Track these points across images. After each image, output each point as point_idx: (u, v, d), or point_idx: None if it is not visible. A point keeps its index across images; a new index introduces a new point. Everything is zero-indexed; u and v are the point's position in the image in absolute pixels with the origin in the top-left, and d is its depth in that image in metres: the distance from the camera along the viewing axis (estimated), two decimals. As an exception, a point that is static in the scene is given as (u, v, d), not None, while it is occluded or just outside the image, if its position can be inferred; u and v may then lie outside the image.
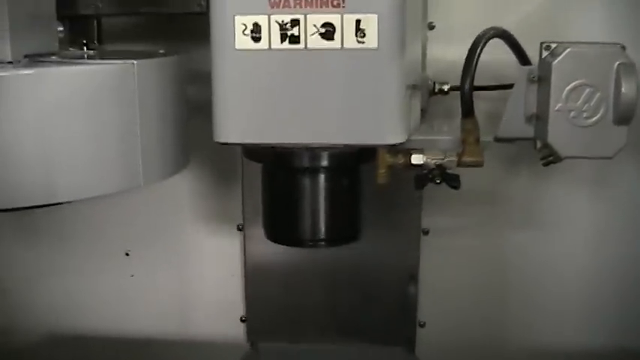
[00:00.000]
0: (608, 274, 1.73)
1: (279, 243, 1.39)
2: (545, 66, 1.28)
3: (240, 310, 1.85)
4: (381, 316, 1.76)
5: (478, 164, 1.27)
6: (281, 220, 1.36)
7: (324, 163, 1.27)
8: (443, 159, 1.27)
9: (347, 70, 1.15)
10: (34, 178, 1.17)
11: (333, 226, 1.33)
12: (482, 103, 1.37)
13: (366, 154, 1.27)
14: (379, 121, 1.16)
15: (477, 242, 1.73)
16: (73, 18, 1.55)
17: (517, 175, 1.69)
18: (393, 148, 1.26)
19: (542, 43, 1.29)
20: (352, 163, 1.31)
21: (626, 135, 1.26)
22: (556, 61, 1.24)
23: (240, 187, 1.75)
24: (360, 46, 1.13)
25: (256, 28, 1.15)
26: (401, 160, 1.28)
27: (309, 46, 1.14)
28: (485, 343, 1.80)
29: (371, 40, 1.13)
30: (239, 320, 1.85)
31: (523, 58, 1.34)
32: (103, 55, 1.45)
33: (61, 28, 1.44)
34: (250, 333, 1.85)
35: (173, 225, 1.85)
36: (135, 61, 1.24)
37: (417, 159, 1.27)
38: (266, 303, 1.82)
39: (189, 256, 1.86)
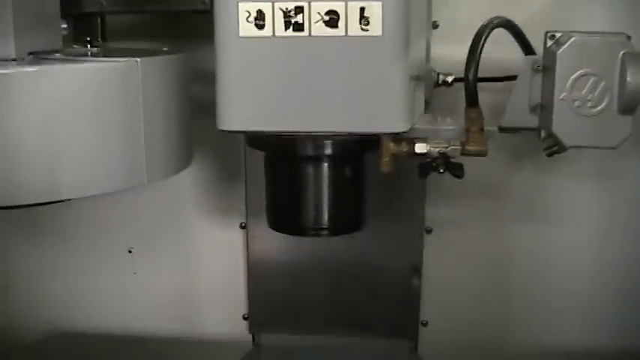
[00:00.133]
0: (612, 273, 1.72)
1: (281, 232, 1.38)
2: (549, 55, 1.27)
3: (243, 307, 1.84)
4: (384, 311, 1.76)
5: (482, 153, 1.26)
6: (284, 209, 1.36)
7: (328, 151, 1.26)
8: (447, 147, 1.27)
9: (351, 57, 1.14)
10: (38, 175, 1.17)
11: (336, 215, 1.33)
12: (486, 95, 1.36)
13: (369, 142, 1.27)
14: (383, 109, 1.16)
15: (480, 237, 1.72)
16: (77, 16, 1.55)
17: (521, 168, 1.68)
18: (397, 137, 1.26)
19: (546, 33, 1.29)
20: (356, 151, 1.31)
21: (631, 125, 1.25)
22: (561, 50, 1.24)
23: (243, 185, 1.75)
24: (364, 33, 1.13)
25: (260, 15, 1.15)
26: (405, 148, 1.27)
27: (313, 33, 1.14)
28: (487, 343, 1.79)
29: (375, 28, 1.13)
30: (242, 318, 1.85)
31: (527, 48, 1.34)
32: (107, 53, 1.44)
33: (64, 26, 1.44)
34: (253, 330, 1.85)
35: (176, 222, 1.85)
36: (139, 59, 1.24)
37: (420, 147, 1.26)
38: (269, 300, 1.82)
39: (191, 254, 1.86)
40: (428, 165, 1.28)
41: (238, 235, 1.81)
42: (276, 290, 1.80)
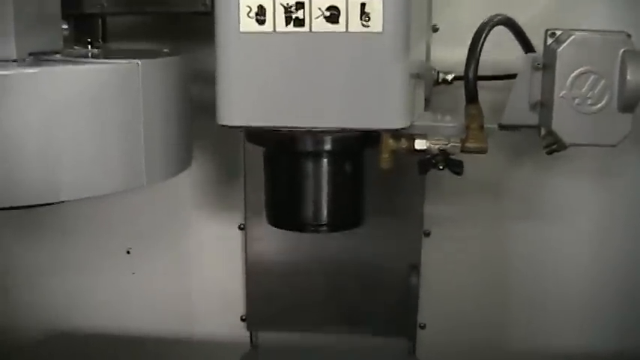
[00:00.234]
0: (612, 273, 1.72)
1: (280, 228, 1.38)
2: (550, 53, 1.27)
3: (241, 308, 1.84)
4: (383, 310, 1.75)
5: (482, 150, 1.26)
6: (283, 205, 1.35)
7: (328, 147, 1.26)
8: (446, 144, 1.27)
9: (351, 53, 1.15)
10: (38, 176, 1.17)
11: (336, 211, 1.33)
12: (486, 93, 1.36)
13: (369, 138, 1.27)
14: (383, 106, 1.16)
15: (479, 236, 1.73)
16: (78, 16, 1.55)
17: (520, 166, 1.68)
18: (397, 133, 1.26)
19: (546, 31, 1.29)
20: (356, 147, 1.30)
21: (631, 122, 1.26)
22: (561, 47, 1.24)
23: (242, 186, 1.75)
24: (365, 29, 1.13)
25: (261, 10, 1.15)
26: (404, 145, 1.27)
27: (313, 29, 1.15)
28: (486, 345, 1.79)
29: (376, 24, 1.13)
30: (240, 319, 1.84)
31: (527, 46, 1.34)
32: (108, 54, 1.45)
33: (65, 27, 1.44)
34: (251, 328, 1.85)
35: (174, 223, 1.85)
36: (139, 61, 1.24)
37: (420, 144, 1.26)
38: (267, 301, 1.81)
39: (190, 255, 1.86)
40: (428, 162, 1.28)
41: (237, 236, 1.80)
42: (275, 291, 1.80)
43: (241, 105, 1.19)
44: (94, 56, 1.42)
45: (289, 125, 1.19)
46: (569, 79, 1.25)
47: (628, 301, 1.73)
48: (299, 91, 1.17)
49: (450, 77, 1.49)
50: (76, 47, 1.51)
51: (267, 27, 1.15)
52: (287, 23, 1.15)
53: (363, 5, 1.13)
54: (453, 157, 1.28)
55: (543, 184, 1.68)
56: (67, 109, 1.17)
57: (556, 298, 1.74)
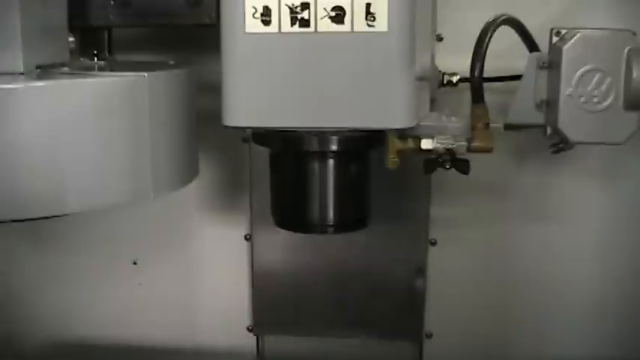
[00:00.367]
0: (618, 278, 1.71)
1: (287, 229, 1.37)
2: (555, 51, 1.28)
3: (246, 318, 1.84)
4: (390, 314, 1.75)
5: (488, 149, 1.26)
6: (289, 207, 1.35)
7: (334, 147, 1.26)
8: (453, 144, 1.26)
9: (357, 53, 1.14)
10: (44, 189, 1.16)
11: (342, 211, 1.32)
12: (492, 95, 1.36)
13: (375, 138, 1.26)
14: (388, 105, 1.16)
15: (485, 242, 1.72)
16: (85, 29, 1.56)
17: (525, 167, 1.67)
18: (403, 133, 1.26)
19: (552, 29, 1.30)
20: (361, 148, 1.30)
21: (637, 121, 1.26)
22: (566, 46, 1.25)
23: (247, 197, 1.75)
24: (370, 29, 1.13)
25: (266, 11, 1.15)
26: (410, 144, 1.27)
27: (319, 29, 1.14)
28: (492, 355, 1.78)
29: (381, 24, 1.13)
30: (246, 329, 1.84)
31: (532, 45, 1.34)
32: (114, 66, 1.45)
33: (72, 39, 1.44)
34: (257, 333, 1.85)
35: (181, 234, 1.85)
36: (146, 74, 1.24)
37: (426, 143, 1.26)
38: (273, 311, 1.81)
39: (196, 265, 1.85)
40: (434, 161, 1.28)
41: (243, 247, 1.80)
42: (281, 301, 1.79)
43: (247, 106, 1.18)
44: (100, 68, 1.42)
45: (295, 126, 1.19)
46: (575, 77, 1.25)
47: (635, 308, 1.71)
48: (304, 91, 1.16)
49: (455, 79, 1.49)
50: (82, 59, 1.52)
51: (273, 28, 1.15)
52: (292, 24, 1.15)
53: (368, 5, 1.12)
54: (459, 156, 1.27)
55: (549, 185, 1.67)
56: (73, 121, 1.17)
57: (564, 303, 1.73)
